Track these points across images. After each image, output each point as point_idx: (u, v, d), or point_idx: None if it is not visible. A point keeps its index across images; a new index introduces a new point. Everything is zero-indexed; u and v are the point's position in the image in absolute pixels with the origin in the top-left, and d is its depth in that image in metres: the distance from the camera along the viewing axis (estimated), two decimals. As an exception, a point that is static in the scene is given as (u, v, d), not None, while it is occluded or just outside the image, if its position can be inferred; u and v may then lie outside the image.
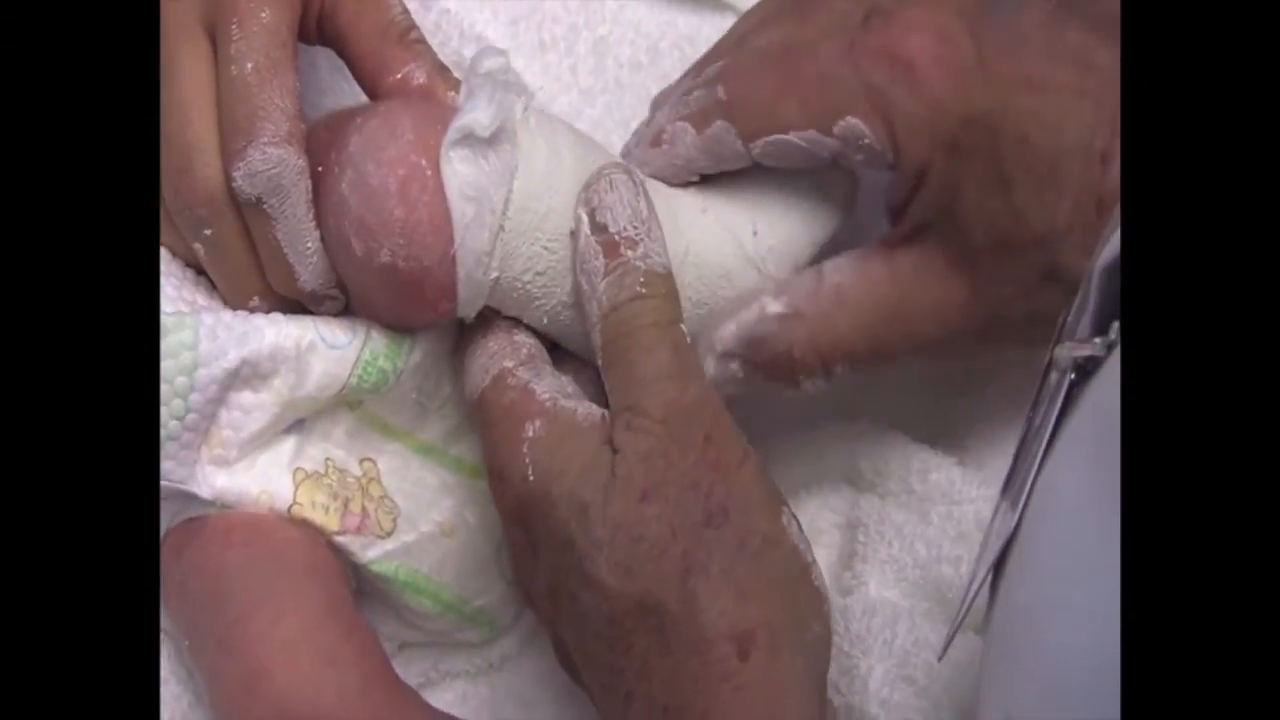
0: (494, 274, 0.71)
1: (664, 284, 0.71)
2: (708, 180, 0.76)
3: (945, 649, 0.69)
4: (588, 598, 0.67)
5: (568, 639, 0.70)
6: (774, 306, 0.75)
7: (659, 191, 0.74)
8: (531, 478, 0.69)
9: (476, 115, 0.70)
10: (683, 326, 0.71)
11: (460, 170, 0.70)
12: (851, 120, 0.72)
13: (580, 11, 0.89)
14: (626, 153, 0.77)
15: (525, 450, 0.69)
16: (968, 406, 0.84)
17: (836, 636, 0.76)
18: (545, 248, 0.72)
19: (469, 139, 0.70)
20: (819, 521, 0.83)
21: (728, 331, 0.76)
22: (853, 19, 0.73)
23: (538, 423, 0.70)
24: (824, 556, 0.82)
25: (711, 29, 0.87)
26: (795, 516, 0.70)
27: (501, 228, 0.71)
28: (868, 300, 0.75)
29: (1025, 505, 0.59)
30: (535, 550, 0.70)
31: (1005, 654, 0.59)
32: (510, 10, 0.88)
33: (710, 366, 0.76)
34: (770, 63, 0.74)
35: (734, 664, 0.66)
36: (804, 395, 0.77)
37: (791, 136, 0.73)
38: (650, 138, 0.76)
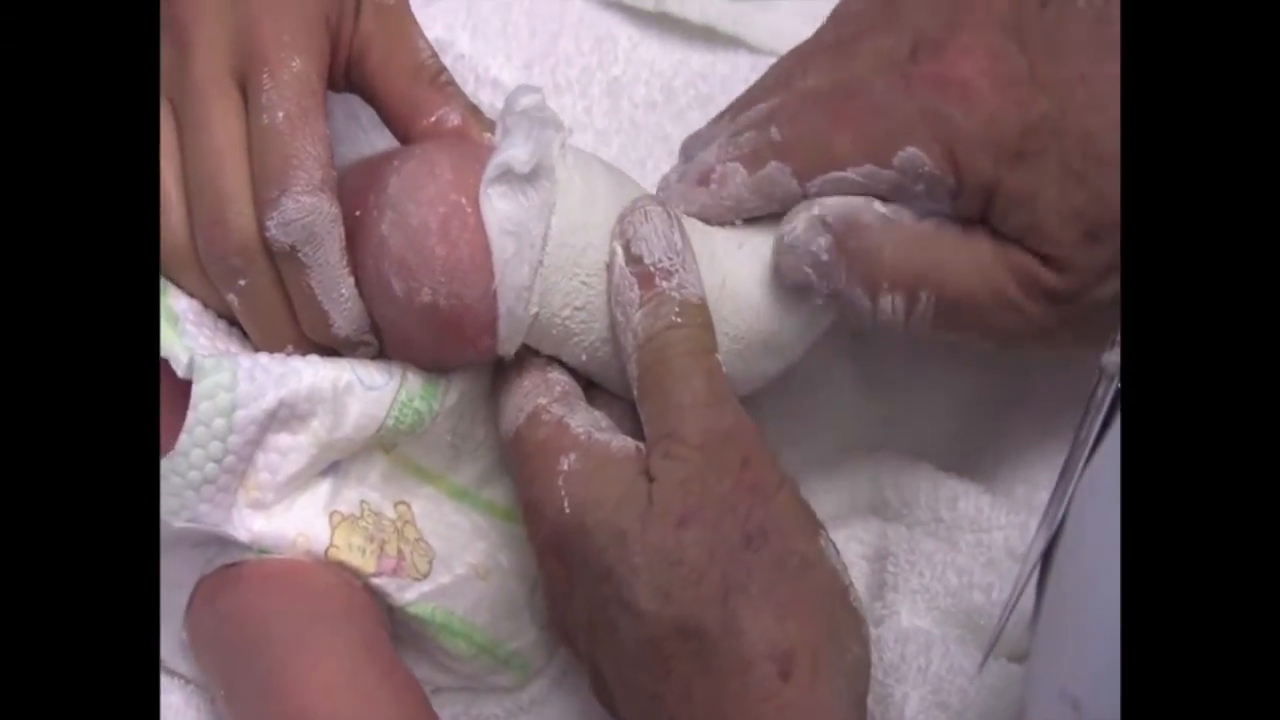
0: (534, 309, 0.72)
1: (699, 314, 0.71)
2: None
3: (983, 666, 0.70)
4: (626, 625, 0.68)
5: (605, 671, 0.70)
6: (882, 207, 0.74)
7: (695, 227, 0.75)
8: (568, 510, 0.69)
9: (515, 152, 0.71)
10: (718, 357, 0.71)
11: (500, 206, 0.71)
12: (910, 150, 0.72)
13: (594, 53, 0.89)
14: (666, 187, 0.77)
15: (561, 483, 0.70)
16: (992, 434, 0.85)
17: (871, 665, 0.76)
18: (584, 283, 0.72)
19: (507, 175, 0.71)
20: (847, 553, 0.82)
21: (832, 201, 0.74)
22: (899, 53, 0.74)
23: (573, 456, 0.70)
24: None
25: (725, 66, 0.88)
26: (832, 540, 0.70)
27: (541, 263, 0.71)
28: (971, 259, 0.73)
29: (1070, 502, 0.60)
30: (572, 583, 0.70)
31: (1055, 635, 0.60)
32: (524, 53, 0.89)
33: (800, 226, 0.73)
34: (822, 101, 0.74)
35: (775, 684, 0.66)
36: (876, 322, 0.74)
37: (849, 173, 0.73)
38: (696, 176, 0.76)
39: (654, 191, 0.77)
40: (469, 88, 0.85)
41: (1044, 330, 0.73)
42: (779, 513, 0.69)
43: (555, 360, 0.74)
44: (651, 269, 0.71)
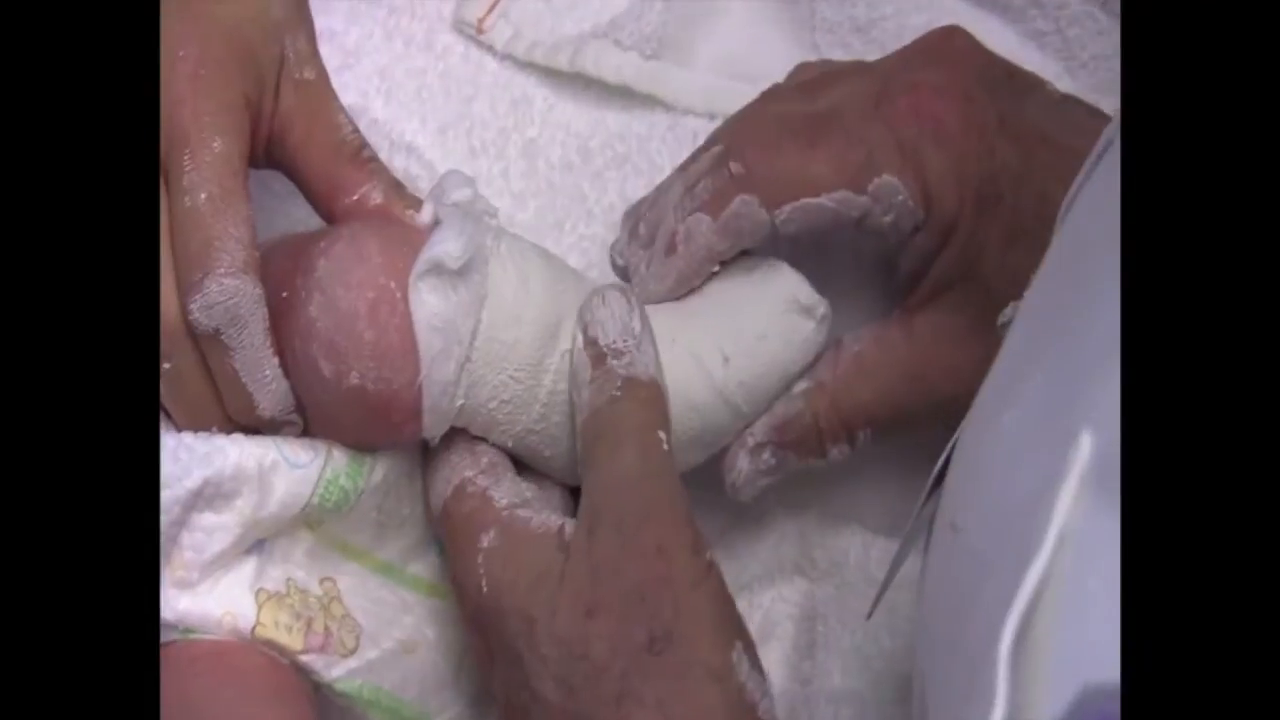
0: (459, 401, 0.71)
1: (645, 390, 0.70)
2: (681, 309, 0.76)
3: (873, 609, 0.71)
4: (536, 712, 0.67)
5: None
6: (798, 385, 0.76)
7: None
8: (485, 589, 0.69)
9: (447, 247, 0.70)
10: (661, 434, 0.70)
11: (429, 301, 0.70)
12: (887, 177, 0.72)
13: (509, 115, 0.89)
14: (639, 280, 0.76)
15: (480, 561, 0.69)
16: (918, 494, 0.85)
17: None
18: (512, 377, 0.72)
19: (438, 269, 0.70)
20: (775, 614, 0.83)
21: (757, 425, 0.76)
22: (869, 91, 0.74)
23: (492, 533, 0.70)
24: (780, 648, 0.82)
25: (642, 125, 0.88)
26: (750, 649, 0.67)
27: (469, 358, 0.71)
28: (886, 365, 0.76)
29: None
30: (493, 660, 0.70)
31: (953, 482, 0.60)
32: (438, 117, 0.88)
33: (744, 465, 0.76)
34: (790, 128, 0.74)
35: None
36: (831, 465, 0.77)
37: (822, 199, 0.73)
38: (664, 248, 0.75)
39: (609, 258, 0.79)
40: (383, 153, 0.84)
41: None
42: (690, 614, 0.66)
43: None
44: (604, 349, 0.71)
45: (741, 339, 0.75)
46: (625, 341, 0.71)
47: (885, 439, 0.77)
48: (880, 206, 0.72)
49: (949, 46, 0.76)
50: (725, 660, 0.66)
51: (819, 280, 0.77)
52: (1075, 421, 0.49)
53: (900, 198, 0.72)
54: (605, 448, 0.69)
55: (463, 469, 0.72)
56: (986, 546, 0.53)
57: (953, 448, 0.61)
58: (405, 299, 0.70)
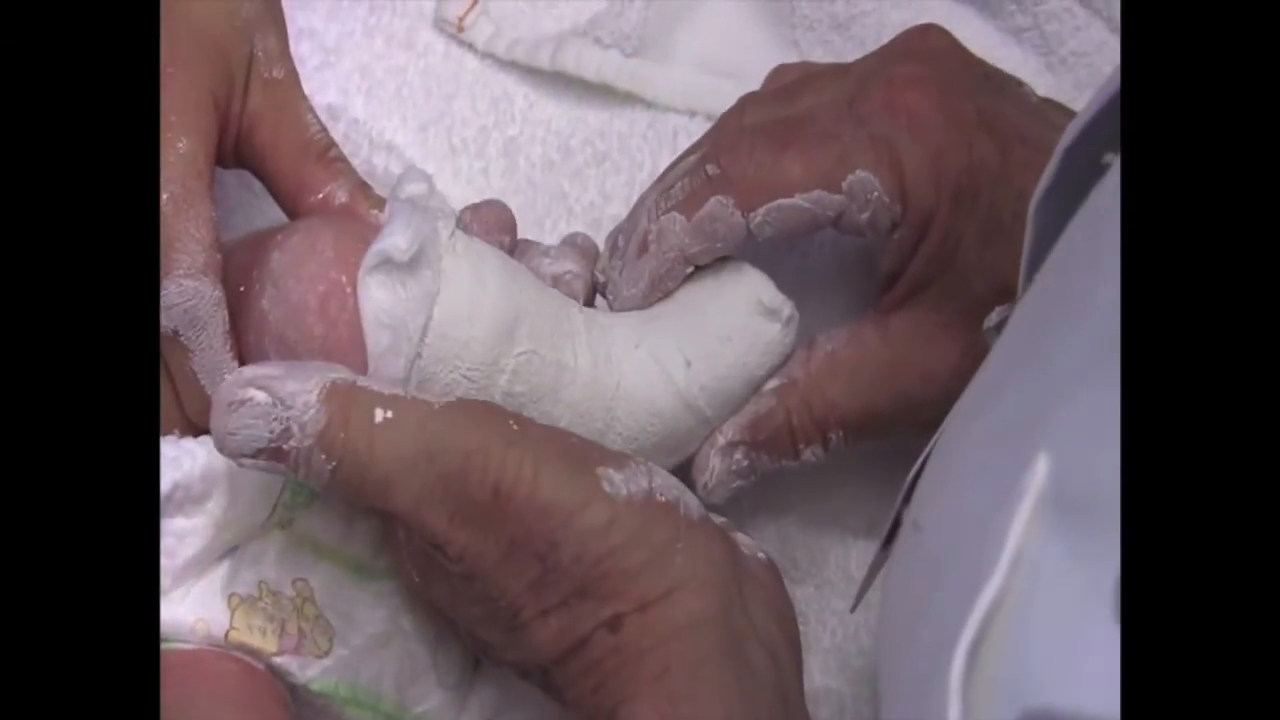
0: None
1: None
2: (646, 313, 0.76)
3: (856, 604, 0.72)
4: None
5: None
6: (769, 383, 0.75)
7: (594, 323, 0.74)
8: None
9: (394, 240, 0.70)
10: None
11: (377, 296, 0.70)
12: (862, 173, 0.71)
13: (490, 113, 0.88)
14: (613, 288, 0.76)
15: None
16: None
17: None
18: (465, 376, 0.71)
19: (386, 264, 0.70)
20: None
21: (728, 424, 0.75)
22: (844, 93, 0.74)
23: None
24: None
25: (622, 123, 0.88)
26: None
27: (419, 354, 0.70)
28: (859, 364, 0.75)
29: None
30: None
31: (924, 481, 0.60)
32: (419, 116, 0.88)
33: (716, 465, 0.75)
34: (764, 133, 0.74)
35: None
36: (804, 467, 0.77)
37: (797, 199, 0.72)
38: (635, 249, 0.75)
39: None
40: (363, 153, 0.85)
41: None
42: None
43: None
44: None
45: (704, 342, 0.74)
46: None
47: (857, 442, 0.77)
48: (856, 204, 0.72)
49: (925, 45, 0.76)
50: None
51: (797, 282, 0.76)
52: (1034, 442, 0.49)
53: (875, 193, 0.71)
54: None
55: (330, 374, 0.67)
56: (941, 552, 0.53)
57: (931, 449, 0.61)
58: (355, 294, 0.70)
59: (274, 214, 0.80)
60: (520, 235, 0.85)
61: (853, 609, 0.73)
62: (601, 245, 0.79)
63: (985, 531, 0.48)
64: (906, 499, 0.63)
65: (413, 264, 0.70)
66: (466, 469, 0.65)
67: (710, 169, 0.73)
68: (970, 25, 0.79)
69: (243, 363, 0.71)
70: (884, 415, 0.76)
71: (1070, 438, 0.48)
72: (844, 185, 0.72)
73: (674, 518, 0.66)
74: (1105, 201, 0.52)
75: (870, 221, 0.72)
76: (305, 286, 0.70)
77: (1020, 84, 0.76)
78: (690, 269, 0.75)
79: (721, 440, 0.75)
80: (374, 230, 0.72)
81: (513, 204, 0.86)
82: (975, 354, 0.72)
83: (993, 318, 0.66)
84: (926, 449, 0.62)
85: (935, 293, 0.74)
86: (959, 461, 0.57)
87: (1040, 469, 0.48)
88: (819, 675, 0.80)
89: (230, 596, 0.73)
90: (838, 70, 0.77)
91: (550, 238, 0.86)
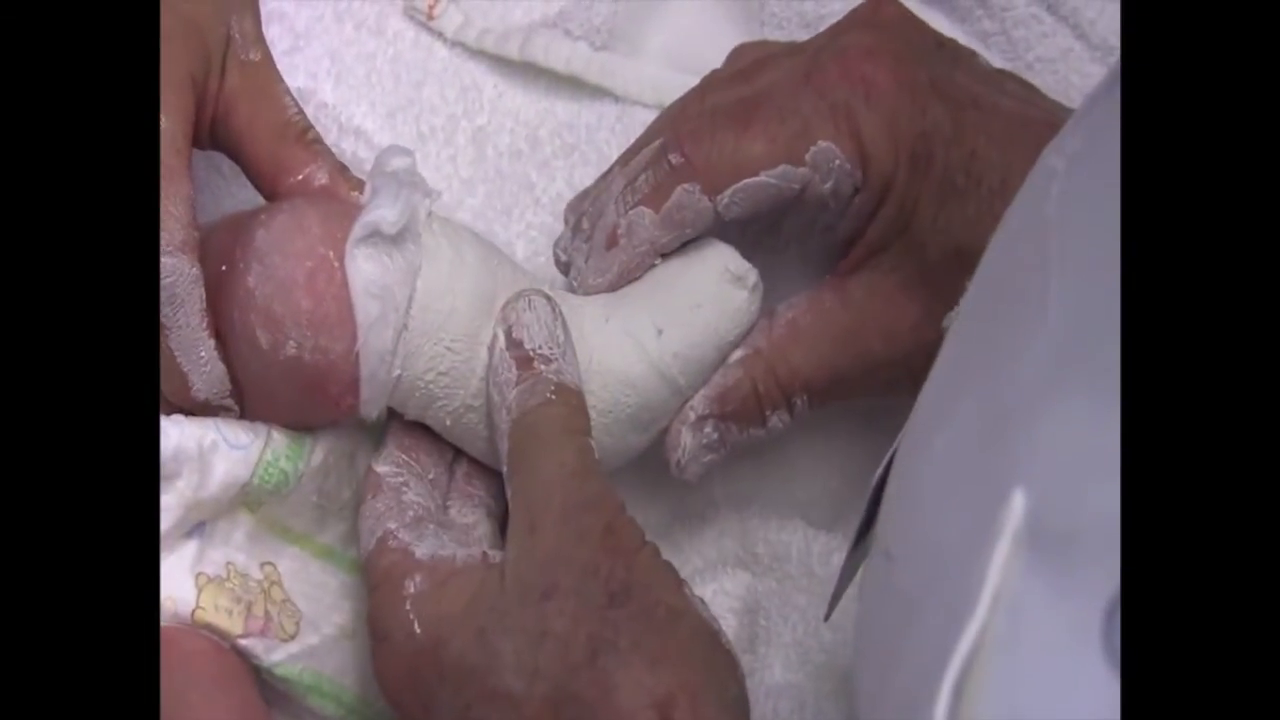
0: (396, 372, 0.71)
1: (575, 397, 0.72)
2: (613, 294, 0.76)
3: (829, 612, 0.72)
4: (498, 716, 0.67)
5: None
6: (734, 355, 0.76)
7: (564, 301, 0.74)
8: (418, 630, 0.68)
9: (383, 212, 0.70)
10: (591, 441, 0.71)
11: (365, 268, 0.70)
12: (823, 144, 0.72)
13: (459, 101, 0.88)
14: (578, 274, 0.77)
15: (408, 608, 0.69)
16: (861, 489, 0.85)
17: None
18: (448, 348, 0.72)
19: (374, 236, 0.70)
20: (716, 606, 0.82)
21: (696, 398, 0.76)
22: (799, 68, 0.74)
23: (418, 577, 0.69)
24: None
25: (591, 115, 0.88)
26: (695, 594, 0.70)
27: (405, 326, 0.71)
28: (820, 328, 0.76)
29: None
30: (429, 707, 0.69)
31: (889, 500, 0.60)
32: (388, 102, 0.88)
33: (688, 440, 0.76)
34: (725, 114, 0.74)
35: None
36: (772, 435, 0.77)
37: (762, 177, 0.73)
38: (605, 241, 0.76)
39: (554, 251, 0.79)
40: (332, 137, 0.84)
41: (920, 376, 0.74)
42: (641, 569, 0.68)
43: (417, 449, 0.75)
44: (531, 354, 0.72)
45: (675, 311, 0.75)
46: (551, 349, 0.72)
47: (823, 404, 0.77)
48: (820, 174, 0.73)
49: (878, 16, 0.77)
50: (681, 596, 0.69)
51: (761, 258, 0.77)
52: (1006, 475, 0.48)
53: (837, 162, 0.73)
54: (544, 450, 0.70)
55: (386, 520, 0.72)
56: (915, 587, 0.53)
57: (895, 450, 0.61)
58: (343, 269, 0.70)
59: (243, 196, 0.80)
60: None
61: (826, 617, 0.73)
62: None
63: (962, 567, 0.48)
64: (875, 500, 0.63)
65: (398, 237, 0.71)
66: None
67: (674, 158, 0.74)
68: (938, 29, 0.79)
69: (220, 341, 0.71)
70: (847, 377, 0.77)
71: (1045, 469, 0.48)
72: (807, 157, 0.73)
73: None
74: (1049, 207, 0.52)
75: (833, 190, 0.74)
76: (293, 263, 0.70)
77: (974, 54, 0.78)
78: (659, 260, 0.76)
79: (692, 415, 0.76)
80: (356, 210, 0.72)
81: (480, 192, 0.87)
82: (933, 314, 0.74)
83: (950, 316, 0.67)
84: (885, 460, 0.62)
85: (892, 255, 0.75)
86: (923, 482, 0.56)
87: (1016, 505, 0.47)
88: (780, 670, 0.80)
89: (198, 575, 0.73)
90: (793, 48, 0.78)
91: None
